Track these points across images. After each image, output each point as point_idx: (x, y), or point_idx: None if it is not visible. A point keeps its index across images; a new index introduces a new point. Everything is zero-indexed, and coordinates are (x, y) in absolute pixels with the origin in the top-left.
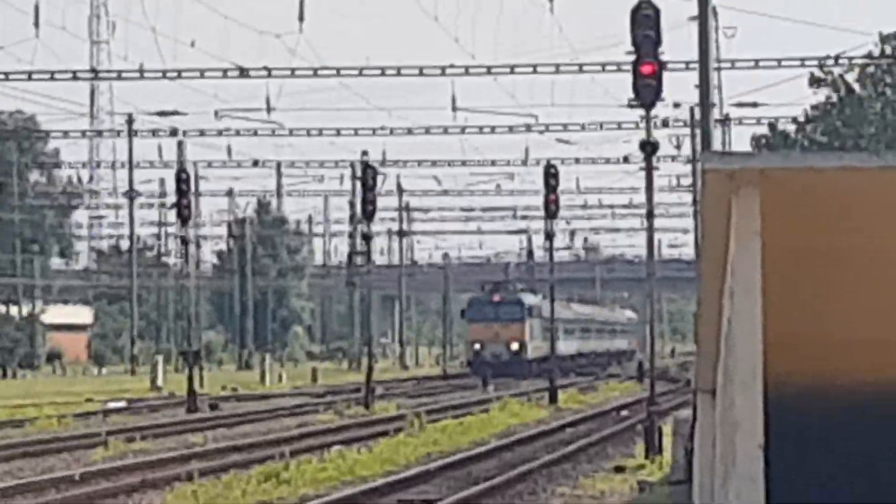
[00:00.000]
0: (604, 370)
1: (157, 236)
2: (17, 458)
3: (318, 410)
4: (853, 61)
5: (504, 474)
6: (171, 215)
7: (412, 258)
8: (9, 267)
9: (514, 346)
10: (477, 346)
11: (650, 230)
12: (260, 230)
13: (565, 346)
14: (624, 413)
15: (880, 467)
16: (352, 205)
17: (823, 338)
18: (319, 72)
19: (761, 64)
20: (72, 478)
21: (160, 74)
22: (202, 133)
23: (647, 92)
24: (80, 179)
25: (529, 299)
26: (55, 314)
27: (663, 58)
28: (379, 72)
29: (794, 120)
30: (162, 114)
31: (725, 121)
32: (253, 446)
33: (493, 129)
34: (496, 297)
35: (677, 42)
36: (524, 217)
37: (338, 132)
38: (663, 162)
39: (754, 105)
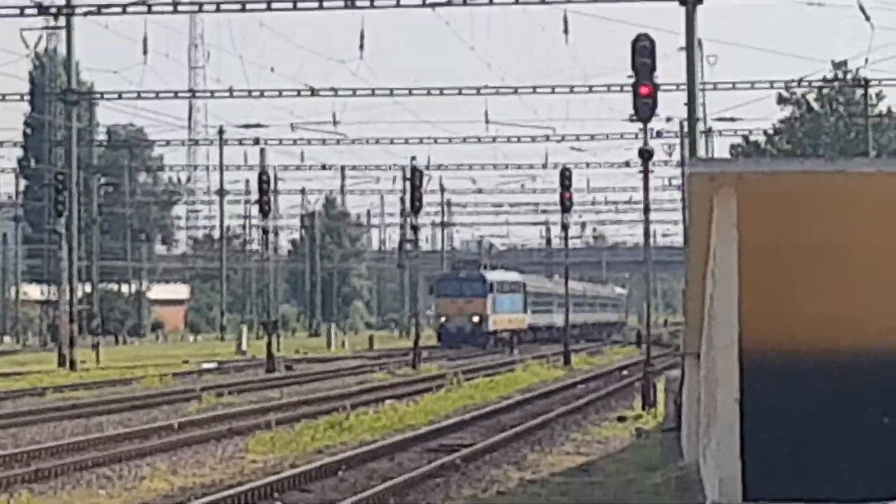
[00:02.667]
0: (595, 340)
1: (243, 227)
2: (127, 411)
3: (373, 370)
4: (812, 84)
5: (526, 422)
6: (255, 210)
7: (452, 245)
8: (121, 252)
9: (476, 318)
10: (443, 318)
11: (647, 222)
12: (327, 222)
13: (559, 318)
14: (625, 373)
15: (835, 416)
16: (402, 201)
17: (789, 312)
18: (376, 91)
19: (738, 86)
20: (171, 426)
21: (246, 94)
22: (280, 142)
23: (644, 109)
24: (179, 180)
25: (492, 276)
26: (158, 291)
27: (658, 81)
28: (425, 91)
29: (765, 132)
30: (247, 126)
31: (708, 133)
32: (320, 400)
33: (518, 139)
34: (461, 275)
35: (670, 67)
36: (544, 211)
37: (391, 141)
38: (658, 166)
39: (732, 120)
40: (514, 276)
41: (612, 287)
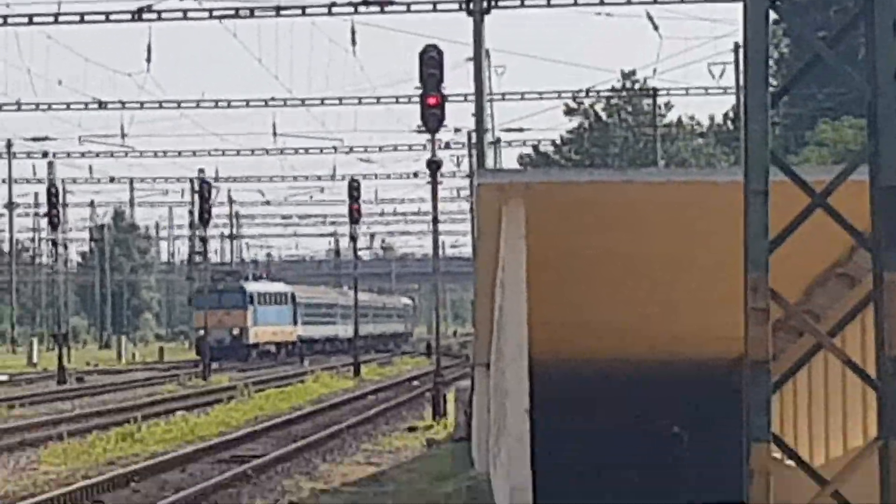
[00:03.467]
0: (384, 351)
1: (32, 240)
2: None
3: (164, 382)
4: (600, 94)
5: (318, 433)
6: (44, 222)
7: (241, 257)
8: None
9: (235, 331)
10: (201, 331)
11: (435, 233)
12: (116, 234)
13: (343, 330)
14: (416, 383)
15: (624, 425)
16: (191, 213)
17: (577, 322)
18: (164, 104)
19: (526, 96)
20: None
21: (34, 107)
22: (69, 155)
23: (432, 119)
24: None
25: (253, 287)
26: None
27: (446, 91)
28: (213, 104)
29: (553, 143)
30: (35, 139)
31: (497, 143)
32: (112, 412)
33: (307, 151)
34: (220, 286)
35: (458, 77)
36: (333, 222)
37: (179, 154)
38: (446, 177)
39: (520, 130)
40: (279, 286)
41: (398, 298)
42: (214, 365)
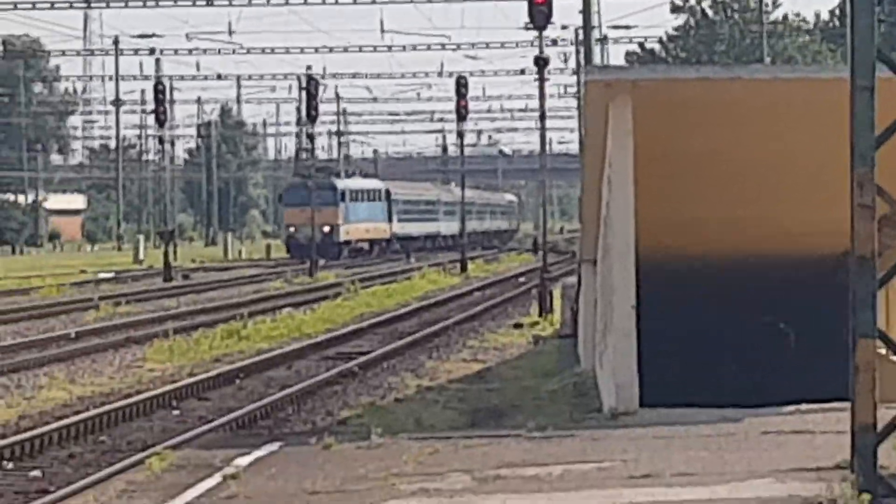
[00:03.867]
0: (485, 247)
1: (139, 137)
2: (24, 320)
3: (270, 279)
4: None
5: (424, 330)
6: (151, 120)
7: (348, 154)
8: (17, 163)
9: (326, 228)
10: (291, 229)
11: (542, 130)
12: (223, 132)
13: (446, 227)
14: (522, 279)
15: (731, 322)
16: (298, 110)
17: (684, 219)
18: (271, 1)
19: None
20: (69, 336)
21: (141, 4)
22: (176, 52)
23: (539, 16)
24: (75, 90)
25: (344, 183)
26: (55, 201)
27: None
28: (321, 1)
29: (660, 40)
30: (142, 36)
31: (604, 40)
32: (218, 309)
33: (414, 47)
34: (310, 182)
35: None
36: (440, 119)
37: (287, 50)
38: (553, 74)
39: (627, 27)
40: (373, 182)
41: (502, 194)
42: (321, 262)
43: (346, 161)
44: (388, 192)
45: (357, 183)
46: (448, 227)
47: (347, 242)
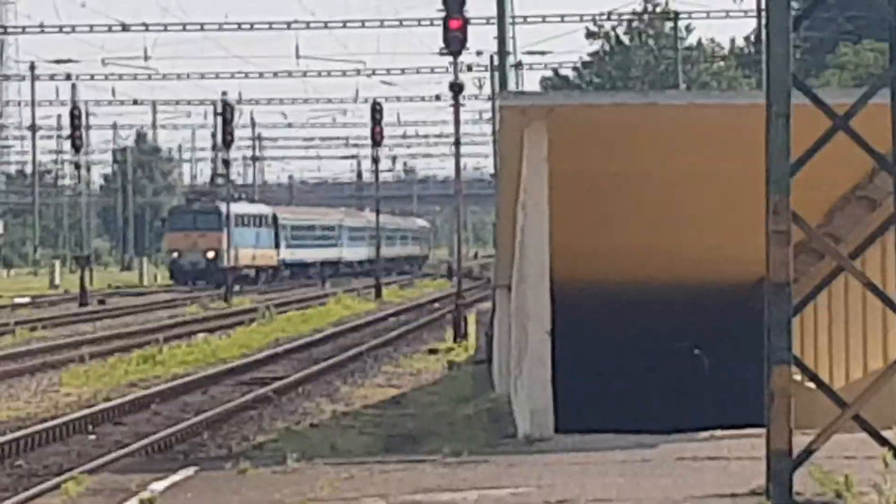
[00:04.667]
0: (401, 273)
1: (55, 162)
2: None
3: (186, 304)
4: (622, 17)
5: (339, 355)
6: (67, 145)
7: (264, 179)
8: None
9: (210, 254)
10: (175, 254)
11: (457, 155)
12: (139, 157)
13: (350, 253)
14: (436, 305)
15: (645, 347)
16: (214, 136)
17: (599, 244)
18: (187, 26)
19: (548, 19)
20: None
21: (57, 29)
22: (92, 77)
23: (455, 42)
24: None
25: (231, 208)
26: None
27: (468, 14)
28: (236, 26)
29: (575, 66)
30: (59, 62)
31: (519, 66)
32: (133, 334)
33: (329, 73)
34: (195, 206)
35: (480, 0)
36: (355, 145)
37: (202, 76)
38: (469, 100)
39: (542, 53)
40: (259, 208)
41: (413, 219)
42: (236, 288)
43: (264, 186)
44: (274, 217)
45: (243, 208)
46: (354, 252)
47: (233, 268)
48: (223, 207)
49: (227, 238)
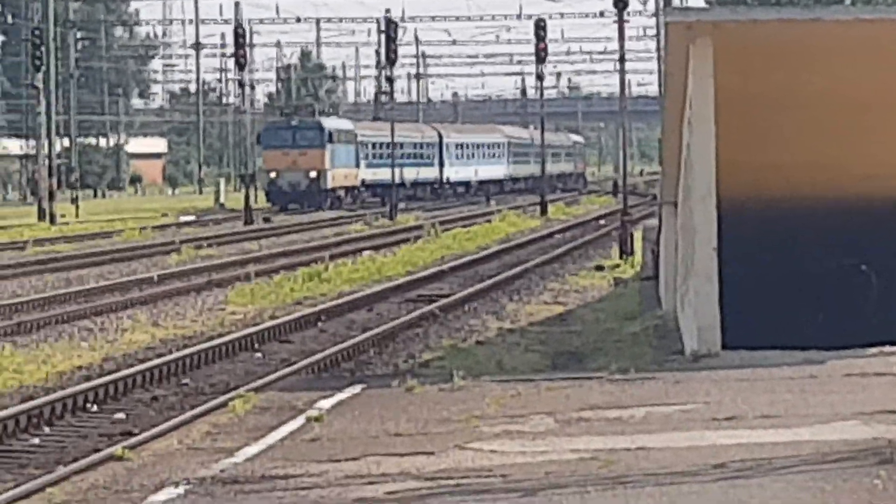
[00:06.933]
0: (564, 190)
1: (219, 80)
2: (107, 263)
3: (351, 222)
4: None
5: (504, 272)
6: (231, 63)
7: (427, 96)
8: (98, 107)
9: (312, 174)
10: (272, 174)
11: (622, 72)
12: (303, 75)
13: (490, 171)
14: (602, 222)
15: (811, 264)
16: (377, 53)
17: (766, 160)
18: None
19: None
20: (151, 279)
21: None
22: None
23: None
24: (155, 34)
25: (331, 123)
26: (136, 145)
27: None
28: None
29: None
30: None
31: None
32: (299, 252)
33: None
34: (293, 122)
35: None
36: (519, 62)
37: None
38: (633, 16)
39: None
40: (345, 123)
41: (566, 135)
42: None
43: (428, 104)
44: (354, 134)
45: (340, 124)
46: (493, 170)
47: (332, 190)
48: (326, 123)
49: (331, 156)
